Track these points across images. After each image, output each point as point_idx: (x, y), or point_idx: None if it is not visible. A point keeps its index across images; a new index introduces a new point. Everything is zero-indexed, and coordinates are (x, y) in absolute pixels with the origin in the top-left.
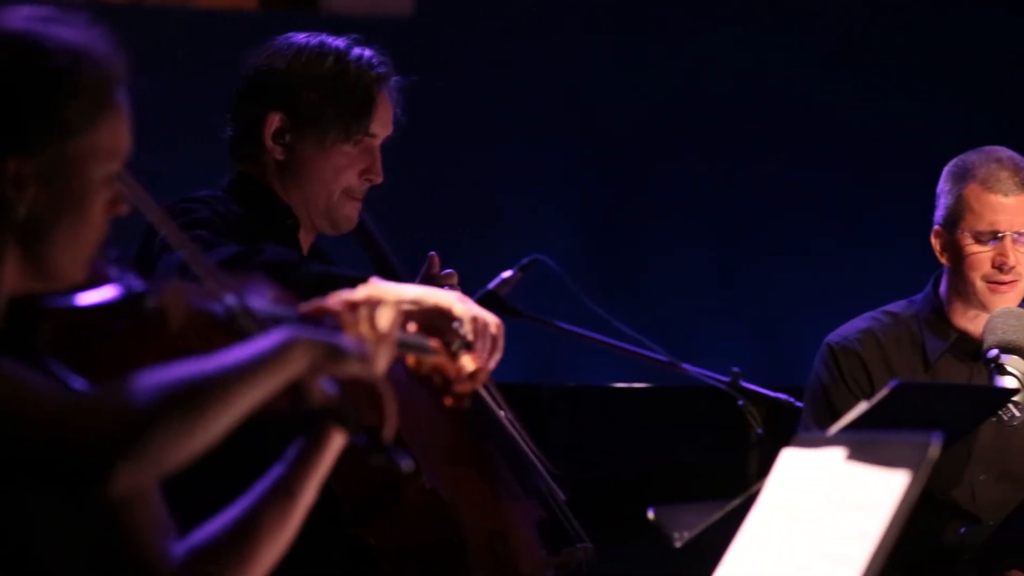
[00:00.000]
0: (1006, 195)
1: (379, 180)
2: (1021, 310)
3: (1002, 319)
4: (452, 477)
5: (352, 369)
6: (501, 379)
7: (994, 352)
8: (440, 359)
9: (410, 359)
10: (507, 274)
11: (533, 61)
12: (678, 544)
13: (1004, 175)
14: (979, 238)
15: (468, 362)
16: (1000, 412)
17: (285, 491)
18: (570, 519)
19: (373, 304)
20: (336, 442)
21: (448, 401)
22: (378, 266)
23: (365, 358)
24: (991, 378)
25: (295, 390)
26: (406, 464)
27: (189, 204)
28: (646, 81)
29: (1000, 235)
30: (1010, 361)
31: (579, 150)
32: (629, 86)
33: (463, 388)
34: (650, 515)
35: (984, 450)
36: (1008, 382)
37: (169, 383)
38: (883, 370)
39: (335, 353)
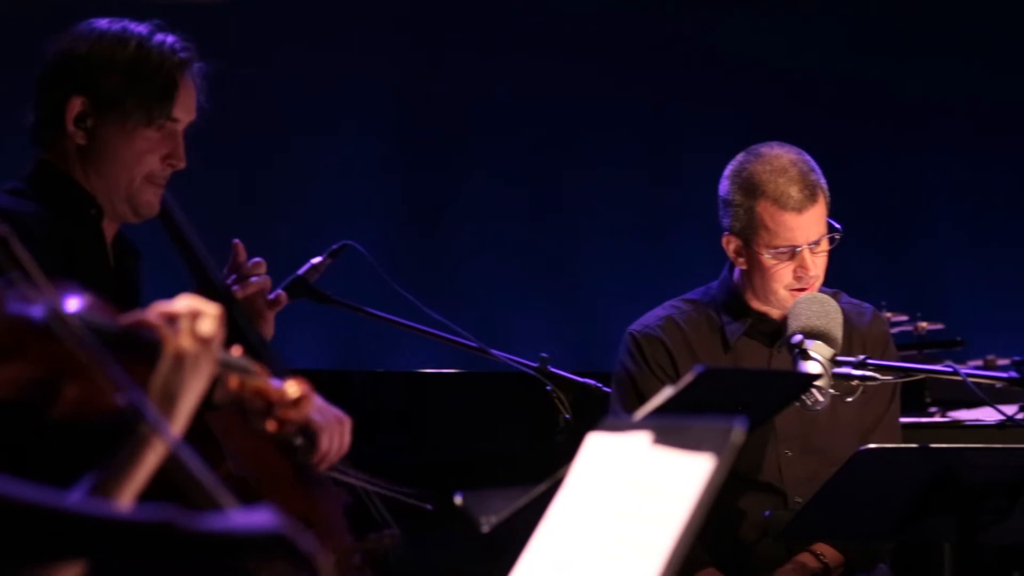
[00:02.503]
0: (799, 211)
1: (182, 165)
2: (824, 296)
3: (806, 305)
4: (255, 465)
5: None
6: (310, 365)
7: (798, 338)
8: (263, 382)
9: (233, 380)
10: (316, 260)
11: (346, 51)
12: (485, 529)
13: (794, 191)
14: (778, 255)
15: (292, 388)
16: (804, 396)
17: (101, 498)
18: (376, 505)
19: (194, 315)
20: (157, 450)
21: (270, 426)
22: (184, 255)
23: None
24: (795, 363)
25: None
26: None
27: None
28: (458, 70)
29: (798, 249)
30: (813, 346)
31: (389, 137)
32: (439, 75)
33: (286, 414)
34: (457, 500)
35: (788, 427)
36: (811, 367)
37: None
38: (686, 355)
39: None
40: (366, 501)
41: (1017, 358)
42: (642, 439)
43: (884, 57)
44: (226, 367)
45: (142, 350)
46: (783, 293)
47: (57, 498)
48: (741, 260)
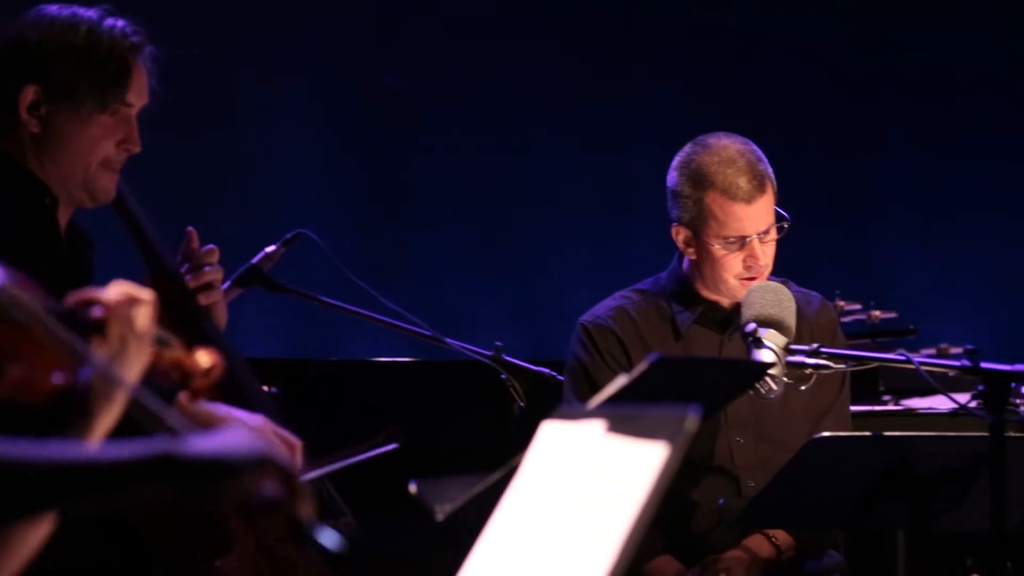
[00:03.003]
0: (748, 202)
1: (137, 150)
2: (777, 285)
3: (759, 294)
4: None
5: None
6: (264, 354)
7: (752, 326)
8: (178, 354)
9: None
10: (270, 248)
11: (300, 36)
12: (440, 518)
13: (742, 181)
14: (727, 245)
15: (203, 357)
16: (758, 385)
17: None
18: (331, 493)
19: (131, 304)
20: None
21: (186, 397)
22: (138, 242)
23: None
24: (749, 352)
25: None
26: None
27: None
28: (411, 55)
29: (747, 239)
30: (767, 335)
31: (344, 126)
32: (397, 62)
33: (200, 384)
34: (412, 489)
35: (740, 415)
36: (765, 356)
37: None
38: (638, 345)
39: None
40: (320, 490)
41: (970, 347)
42: (596, 427)
43: (837, 46)
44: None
45: (82, 334)
46: (733, 282)
47: (58, 449)
48: (691, 250)
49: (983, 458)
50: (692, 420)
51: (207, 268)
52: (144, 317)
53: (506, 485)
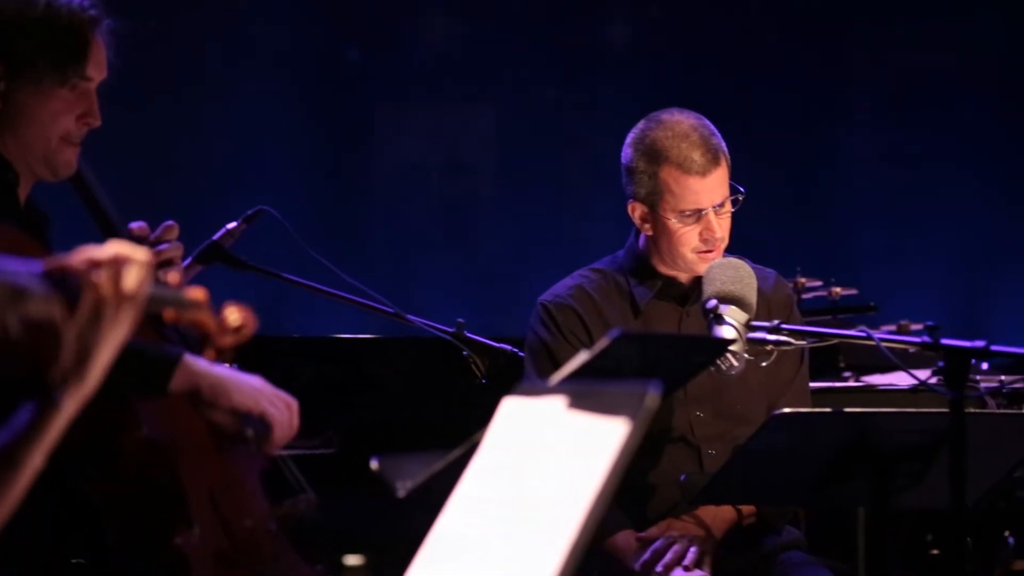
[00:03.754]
0: (703, 175)
1: (97, 123)
2: (738, 261)
3: (720, 270)
4: (171, 429)
5: (37, 310)
6: None
7: (713, 303)
8: (200, 313)
9: (168, 313)
10: (232, 225)
11: (260, 15)
12: (401, 494)
13: (697, 155)
14: (683, 218)
15: (233, 315)
16: (719, 361)
17: (8, 461)
18: (293, 470)
19: (119, 263)
20: (69, 409)
21: (209, 355)
22: (95, 217)
23: (50, 300)
24: (710, 328)
25: None
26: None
27: None
28: (373, 36)
29: (703, 212)
30: (728, 311)
31: (306, 103)
32: (357, 40)
33: (225, 341)
34: (374, 465)
35: (700, 389)
36: (726, 332)
37: None
38: (598, 321)
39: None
40: (281, 467)
41: (930, 323)
42: (558, 403)
43: (799, 23)
44: (160, 302)
45: (63, 296)
46: (690, 256)
47: None
48: (647, 226)
49: (943, 434)
50: (652, 396)
51: (166, 245)
52: (133, 279)
53: (467, 462)
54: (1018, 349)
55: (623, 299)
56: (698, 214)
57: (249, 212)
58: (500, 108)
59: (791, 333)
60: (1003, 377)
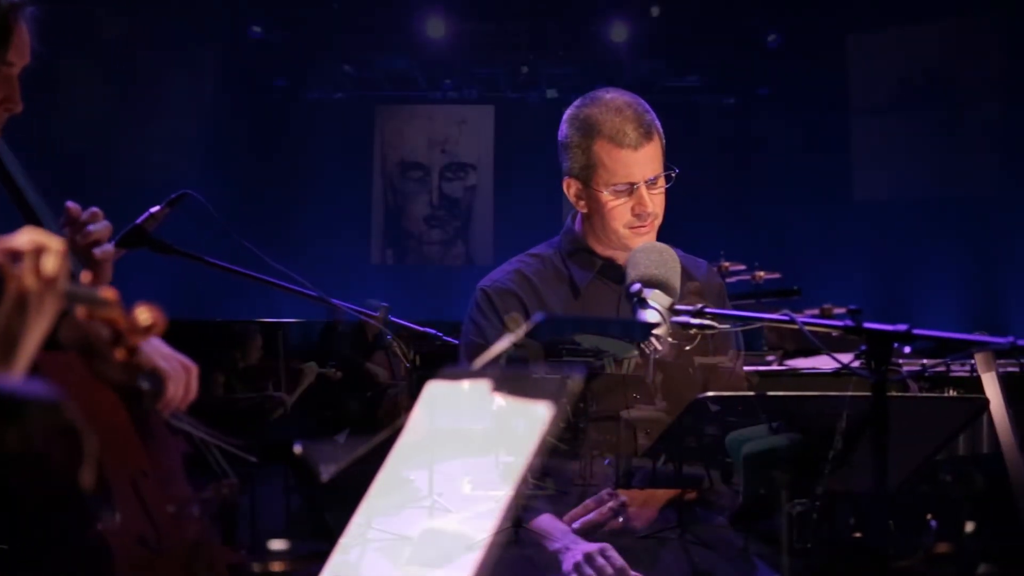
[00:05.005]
0: (635, 148)
1: (18, 110)
2: (662, 245)
3: (644, 254)
4: (90, 413)
5: None
6: None
7: (637, 287)
8: (111, 311)
9: (80, 310)
10: (155, 209)
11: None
12: (325, 478)
13: (629, 128)
14: (616, 192)
15: (143, 314)
16: (643, 345)
17: None
18: (215, 455)
19: (38, 251)
20: None
21: (120, 355)
22: (16, 201)
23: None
24: (634, 312)
25: None
26: None
27: None
28: (294, 23)
29: (635, 186)
30: (652, 295)
31: (231, 83)
32: (284, 24)
33: (135, 339)
34: (297, 450)
35: (637, 372)
36: (650, 316)
37: None
38: (538, 305)
39: None
40: (204, 451)
41: (853, 307)
42: (483, 387)
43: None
44: (73, 298)
45: None
46: (623, 231)
47: None
48: (582, 203)
49: (866, 417)
50: (575, 381)
51: (90, 228)
52: (53, 266)
53: (391, 445)
54: (940, 333)
55: (561, 282)
56: (630, 187)
57: (172, 196)
58: (433, 84)
59: (714, 317)
60: (925, 361)
